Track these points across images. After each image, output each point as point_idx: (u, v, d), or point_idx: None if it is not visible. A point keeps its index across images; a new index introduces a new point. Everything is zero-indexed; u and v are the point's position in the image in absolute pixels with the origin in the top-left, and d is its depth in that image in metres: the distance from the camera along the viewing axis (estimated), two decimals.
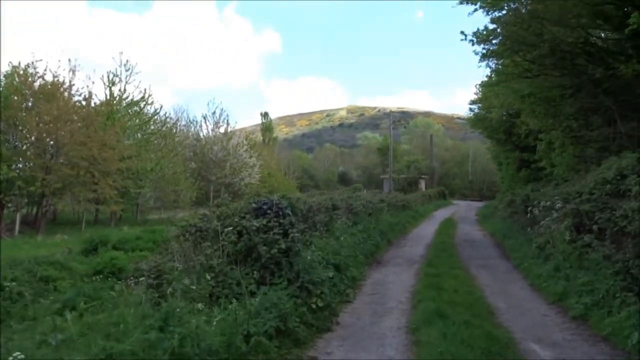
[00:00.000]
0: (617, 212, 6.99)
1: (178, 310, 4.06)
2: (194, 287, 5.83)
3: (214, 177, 45.17)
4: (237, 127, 50.97)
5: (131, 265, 9.85)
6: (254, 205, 7.06)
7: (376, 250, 13.59)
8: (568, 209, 8.62)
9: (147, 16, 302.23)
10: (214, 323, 4.52)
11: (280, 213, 6.97)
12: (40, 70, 26.69)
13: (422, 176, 57.29)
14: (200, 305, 4.41)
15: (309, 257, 6.63)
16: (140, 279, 6.80)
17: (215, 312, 5.11)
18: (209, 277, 5.91)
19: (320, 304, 6.43)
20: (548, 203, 9.51)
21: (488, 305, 7.52)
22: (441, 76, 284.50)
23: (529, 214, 10.06)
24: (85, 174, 26.08)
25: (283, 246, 6.43)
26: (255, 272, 6.40)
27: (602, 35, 13.97)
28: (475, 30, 15.51)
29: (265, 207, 6.97)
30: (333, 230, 11.39)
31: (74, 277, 12.96)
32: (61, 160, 26.66)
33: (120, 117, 32.31)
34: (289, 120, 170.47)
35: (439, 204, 42.60)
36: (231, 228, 6.32)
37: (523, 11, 15.11)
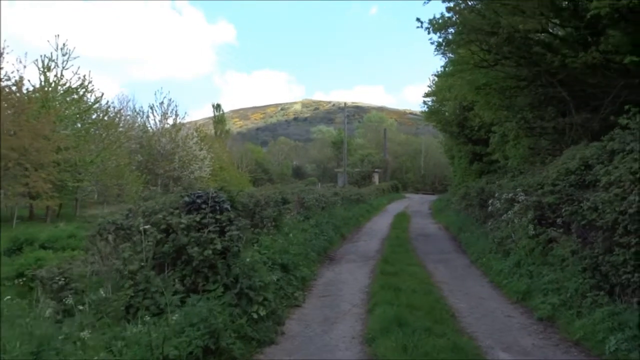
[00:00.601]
0: (585, 204, 6.50)
1: (62, 337, 3.06)
2: (107, 298, 4.82)
3: (162, 170, 43.24)
4: (190, 119, 49.14)
5: (30, 272, 8.57)
6: (186, 199, 6.07)
7: (329, 246, 12.85)
8: (530, 201, 8.14)
9: (96, 3, 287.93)
10: (120, 348, 3.55)
11: (217, 208, 6.02)
12: None
13: (376, 170, 57.33)
14: (86, 333, 3.40)
15: (248, 259, 5.70)
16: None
17: (129, 331, 4.13)
18: (127, 286, 4.91)
19: (263, 313, 5.55)
20: (510, 195, 9.02)
21: (449, 307, 6.89)
22: (394, 72, 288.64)
23: (489, 207, 9.56)
24: (14, 166, 23.90)
25: (219, 246, 5.50)
26: (186, 277, 5.44)
27: (559, 23, 13.72)
28: (431, 17, 15.04)
29: (199, 201, 6.00)
30: (282, 226, 10.51)
31: None
32: None
33: (56, 105, 29.90)
34: (242, 113, 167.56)
35: (392, 197, 42.64)
36: (148, 226, 5.29)
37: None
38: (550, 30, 13.43)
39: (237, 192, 6.67)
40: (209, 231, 5.71)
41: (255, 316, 5.47)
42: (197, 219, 5.76)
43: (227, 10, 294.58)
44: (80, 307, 4.12)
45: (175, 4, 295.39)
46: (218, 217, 5.87)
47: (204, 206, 5.95)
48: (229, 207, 6.13)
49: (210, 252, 5.42)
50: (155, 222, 5.49)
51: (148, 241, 5.46)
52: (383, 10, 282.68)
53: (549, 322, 6.12)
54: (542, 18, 12.33)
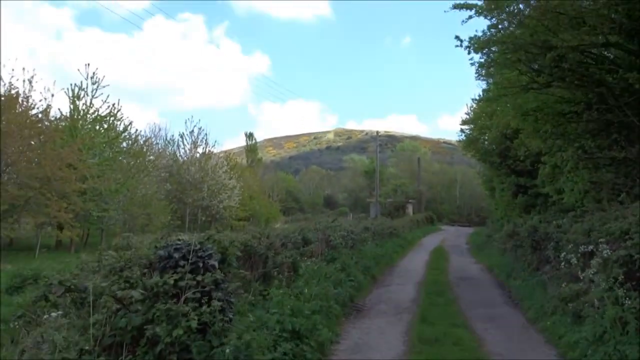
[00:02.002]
0: None
1: None
2: None
3: (191, 199, 42.59)
4: (225, 148, 48.88)
5: None
6: (160, 252, 4.60)
7: (356, 293, 11.16)
8: (617, 256, 6.28)
9: (137, 36, 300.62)
10: None
11: (201, 265, 4.52)
12: None
13: (410, 200, 55.16)
14: None
15: (231, 346, 4.10)
16: None
17: None
18: None
19: None
20: (590, 248, 7.09)
21: None
22: (428, 101, 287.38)
23: (562, 263, 7.68)
24: (36, 196, 23.34)
25: (194, 324, 3.96)
26: None
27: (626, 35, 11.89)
28: (472, 35, 13.48)
29: (177, 255, 4.52)
30: (298, 276, 8.89)
31: None
32: (18, 180, 23.88)
33: (84, 133, 29.59)
34: (276, 142, 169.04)
35: (427, 230, 40.51)
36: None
37: (526, 12, 13.09)
38: (619, 42, 11.54)
39: (231, 243, 5.19)
40: (186, 298, 4.19)
41: None
42: (171, 281, 4.27)
43: (263, 42, 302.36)
44: None
45: (212, 36, 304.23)
46: (199, 278, 4.36)
47: (182, 263, 4.46)
48: (216, 264, 4.62)
49: (181, 331, 3.89)
50: (108, 288, 4.03)
51: (101, 312, 3.99)
52: (416, 40, 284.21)
53: None
54: (608, 25, 10.54)
